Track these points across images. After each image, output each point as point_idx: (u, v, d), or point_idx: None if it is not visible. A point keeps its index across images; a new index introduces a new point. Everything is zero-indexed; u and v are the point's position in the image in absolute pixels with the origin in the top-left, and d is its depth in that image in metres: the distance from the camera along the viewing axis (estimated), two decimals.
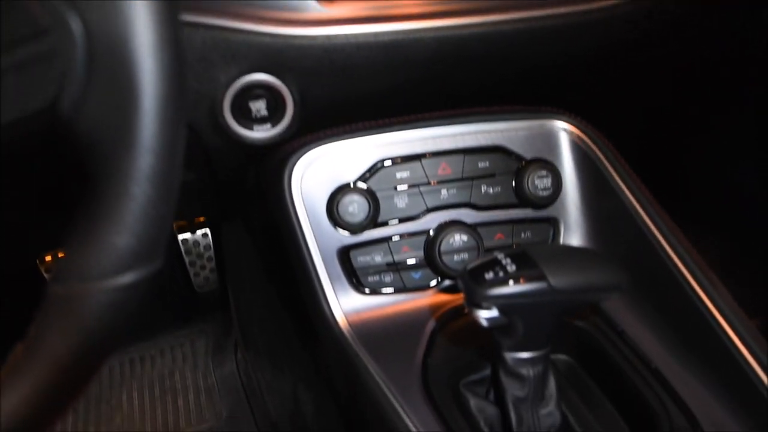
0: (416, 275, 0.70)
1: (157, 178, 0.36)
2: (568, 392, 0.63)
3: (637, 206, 0.70)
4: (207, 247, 1.30)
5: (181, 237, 1.29)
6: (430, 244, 0.70)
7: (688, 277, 0.66)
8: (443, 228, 0.70)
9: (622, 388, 0.65)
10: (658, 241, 0.68)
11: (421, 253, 0.70)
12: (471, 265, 0.55)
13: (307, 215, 0.68)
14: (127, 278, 0.36)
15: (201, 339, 1.32)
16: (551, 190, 0.72)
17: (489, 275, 0.53)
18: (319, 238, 0.68)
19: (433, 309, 0.69)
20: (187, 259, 1.30)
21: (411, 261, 0.70)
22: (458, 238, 0.70)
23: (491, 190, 0.72)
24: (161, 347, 1.31)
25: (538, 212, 0.73)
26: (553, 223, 0.74)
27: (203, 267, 1.32)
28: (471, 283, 0.54)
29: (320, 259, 0.68)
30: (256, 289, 1.07)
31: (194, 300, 1.35)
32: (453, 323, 0.68)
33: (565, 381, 0.66)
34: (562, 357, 0.70)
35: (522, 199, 0.72)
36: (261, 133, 0.68)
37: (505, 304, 0.53)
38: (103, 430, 1.18)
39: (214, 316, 1.34)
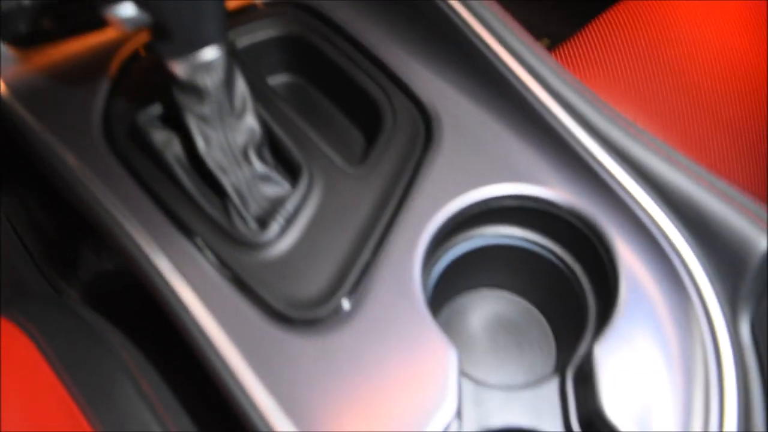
0: None
1: None
2: (279, 106, 0.53)
3: None
4: None
5: None
6: None
7: None
8: None
9: (348, 92, 0.56)
10: None
11: None
12: None
13: None
14: None
15: None
16: None
17: None
18: None
19: (112, 47, 0.55)
20: None
21: None
22: None
23: None
24: None
25: None
26: None
27: None
28: None
29: None
30: None
31: None
32: (139, 63, 0.55)
33: (285, 100, 0.56)
34: (287, 79, 0.61)
35: None
36: None
37: None
38: None
39: None
